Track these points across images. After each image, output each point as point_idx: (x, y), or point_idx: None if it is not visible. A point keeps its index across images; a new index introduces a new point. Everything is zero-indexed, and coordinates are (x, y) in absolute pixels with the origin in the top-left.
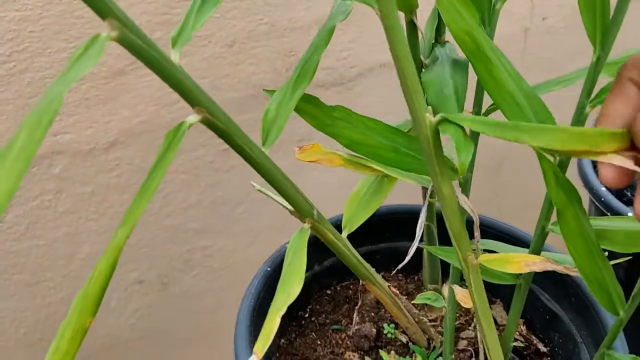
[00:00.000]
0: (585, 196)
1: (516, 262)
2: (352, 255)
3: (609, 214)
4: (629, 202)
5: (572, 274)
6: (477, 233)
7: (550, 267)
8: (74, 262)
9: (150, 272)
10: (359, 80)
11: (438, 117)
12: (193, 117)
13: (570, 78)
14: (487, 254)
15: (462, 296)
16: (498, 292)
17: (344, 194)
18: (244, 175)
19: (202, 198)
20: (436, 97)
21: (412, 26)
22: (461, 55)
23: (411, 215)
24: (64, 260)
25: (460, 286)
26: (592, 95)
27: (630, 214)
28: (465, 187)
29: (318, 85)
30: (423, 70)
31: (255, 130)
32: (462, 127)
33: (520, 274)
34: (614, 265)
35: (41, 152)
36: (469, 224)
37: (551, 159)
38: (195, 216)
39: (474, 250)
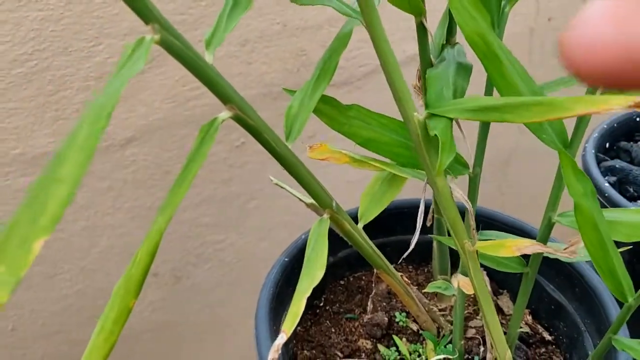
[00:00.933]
0: None
1: (509, 247)
2: (368, 246)
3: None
4: (632, 198)
5: (560, 254)
6: (472, 221)
7: (539, 249)
8: (91, 256)
9: (164, 265)
10: (368, 79)
11: (425, 113)
12: (225, 114)
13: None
14: (482, 241)
15: (465, 283)
16: (505, 283)
17: (354, 187)
18: (257, 171)
19: (215, 193)
20: (435, 96)
21: (422, 28)
22: (469, 57)
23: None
24: (81, 253)
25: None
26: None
27: (632, 207)
28: (475, 182)
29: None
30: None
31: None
32: (450, 129)
33: (528, 264)
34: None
35: None
36: (482, 221)
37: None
38: (208, 211)
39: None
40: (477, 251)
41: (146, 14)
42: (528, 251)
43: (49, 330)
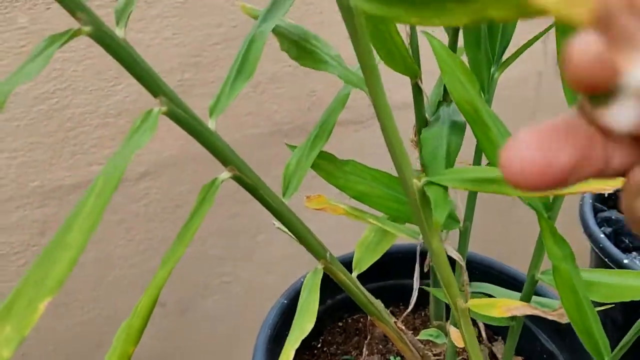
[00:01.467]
0: (587, 243)
1: (499, 307)
2: (361, 294)
3: (606, 259)
4: (627, 249)
5: (549, 317)
6: (464, 277)
7: (529, 311)
8: (102, 285)
9: (172, 295)
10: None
11: (423, 181)
12: (225, 174)
13: None
14: (474, 299)
15: (457, 336)
16: (499, 330)
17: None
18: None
19: (224, 227)
20: (429, 156)
21: (417, 89)
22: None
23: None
24: (93, 282)
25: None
26: None
27: (626, 261)
28: (465, 236)
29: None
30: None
31: (272, 164)
32: (444, 192)
33: (514, 317)
34: (612, 309)
35: (76, 182)
36: (473, 267)
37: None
38: (217, 244)
39: (462, 290)
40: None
41: (154, 89)
42: (518, 312)
43: (58, 357)
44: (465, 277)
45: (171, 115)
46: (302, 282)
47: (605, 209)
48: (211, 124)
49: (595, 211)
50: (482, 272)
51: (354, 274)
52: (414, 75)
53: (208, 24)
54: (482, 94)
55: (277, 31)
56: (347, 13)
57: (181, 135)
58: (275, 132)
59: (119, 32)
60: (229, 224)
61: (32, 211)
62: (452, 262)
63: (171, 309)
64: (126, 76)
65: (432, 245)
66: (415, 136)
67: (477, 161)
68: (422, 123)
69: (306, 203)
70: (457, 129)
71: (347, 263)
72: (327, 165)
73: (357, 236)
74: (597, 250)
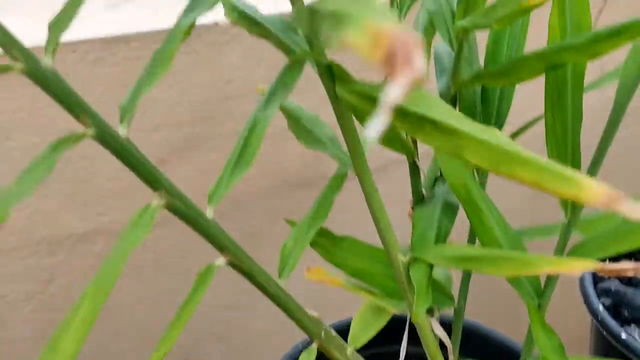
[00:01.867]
0: (587, 314)
1: None
2: None
3: (604, 332)
4: (626, 321)
5: None
6: (451, 357)
7: None
8: (106, 334)
9: (175, 343)
10: (380, 172)
11: (408, 257)
12: (221, 261)
13: (549, 229)
14: None
15: None
16: None
17: None
18: (269, 261)
19: (228, 279)
20: (419, 238)
21: (414, 166)
22: None
23: None
24: (97, 331)
25: None
26: (566, 250)
27: (623, 335)
28: (459, 314)
29: None
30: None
31: (276, 216)
32: (427, 276)
33: None
34: None
35: (86, 231)
36: (468, 337)
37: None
38: (221, 294)
39: None
40: None
41: (154, 184)
42: None
43: None
44: (451, 356)
45: (170, 207)
46: (299, 349)
47: (606, 278)
48: (209, 213)
49: (595, 281)
50: (480, 342)
51: (349, 350)
52: (410, 154)
53: (219, 79)
54: (475, 176)
55: (282, 108)
56: (335, 102)
57: (186, 189)
58: (282, 185)
59: (122, 132)
60: (234, 276)
61: (40, 260)
62: (448, 328)
63: (173, 356)
64: (135, 130)
65: (418, 322)
66: (412, 209)
67: (471, 239)
68: (418, 199)
69: (306, 275)
70: (449, 210)
71: (345, 331)
72: (324, 241)
73: (358, 297)
74: (595, 323)
